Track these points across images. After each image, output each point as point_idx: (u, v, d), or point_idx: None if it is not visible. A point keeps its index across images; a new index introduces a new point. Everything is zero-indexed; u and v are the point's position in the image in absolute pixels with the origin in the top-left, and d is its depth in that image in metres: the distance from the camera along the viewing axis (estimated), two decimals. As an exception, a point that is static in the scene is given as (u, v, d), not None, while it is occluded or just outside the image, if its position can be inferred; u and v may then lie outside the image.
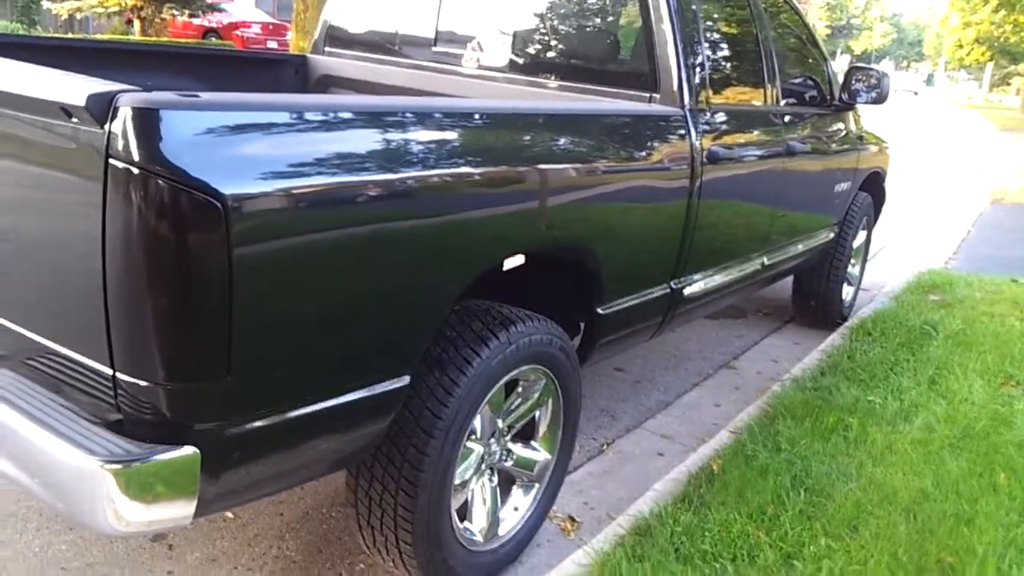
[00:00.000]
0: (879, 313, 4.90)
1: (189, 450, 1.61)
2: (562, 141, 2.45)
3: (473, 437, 2.37)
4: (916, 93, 49.29)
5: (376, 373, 1.96)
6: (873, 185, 5.11)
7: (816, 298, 4.92)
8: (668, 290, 3.06)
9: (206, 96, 1.61)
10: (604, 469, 3.26)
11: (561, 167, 2.39)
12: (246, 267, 1.57)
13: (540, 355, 2.43)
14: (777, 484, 2.71)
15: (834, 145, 4.41)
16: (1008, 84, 53.89)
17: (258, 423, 1.72)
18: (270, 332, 1.68)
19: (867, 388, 3.63)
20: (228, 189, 1.53)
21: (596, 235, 2.58)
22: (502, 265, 2.30)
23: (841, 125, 4.52)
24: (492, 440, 2.46)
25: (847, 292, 5.08)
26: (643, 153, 2.77)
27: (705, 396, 4.02)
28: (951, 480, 2.72)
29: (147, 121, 1.49)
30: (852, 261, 5.08)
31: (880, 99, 4.39)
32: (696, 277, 3.22)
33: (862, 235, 5.15)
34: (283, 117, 1.71)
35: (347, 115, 1.85)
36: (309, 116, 1.75)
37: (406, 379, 2.03)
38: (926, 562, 2.29)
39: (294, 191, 1.65)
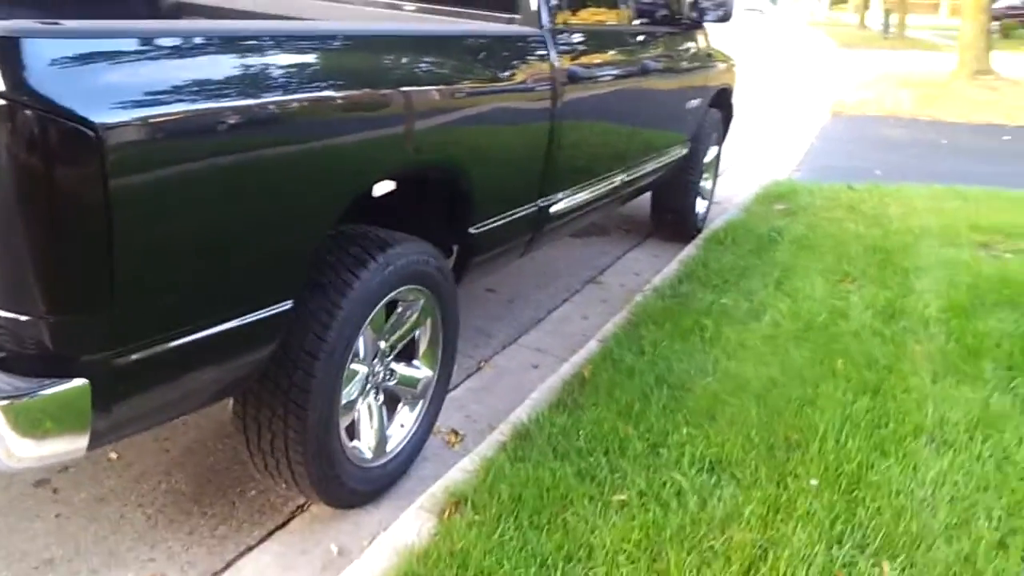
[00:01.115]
0: (730, 223, 5.22)
1: (79, 382, 1.62)
2: (425, 63, 2.49)
3: (357, 359, 2.45)
4: (762, 12, 50.93)
5: (259, 299, 1.99)
6: (722, 102, 5.37)
7: (672, 212, 5.18)
8: (535, 208, 3.19)
9: (69, 23, 1.58)
10: (483, 385, 3.40)
11: (426, 89, 2.44)
12: (122, 196, 1.57)
13: (417, 275, 2.51)
14: (642, 383, 2.92)
15: (685, 63, 4.61)
16: (845, 2, 56.42)
17: (145, 352, 1.74)
18: (150, 260, 1.69)
19: (720, 292, 3.90)
20: (99, 118, 1.52)
21: (463, 157, 2.66)
22: (372, 190, 2.36)
23: (691, 43, 4.72)
24: (375, 361, 2.54)
25: (701, 206, 5.37)
26: (505, 74, 2.84)
27: (574, 310, 4.22)
28: (796, 368, 3.01)
29: (8, 50, 1.46)
30: (704, 176, 5.35)
31: (725, 17, 4.60)
32: (561, 195, 3.36)
33: (713, 150, 5.42)
34: (150, 43, 1.69)
35: (210, 40, 1.84)
36: (175, 42, 1.74)
37: (288, 304, 2.08)
38: (775, 441, 2.56)
39: (164, 118, 1.64)
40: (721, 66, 5.22)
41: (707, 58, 4.94)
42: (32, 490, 2.56)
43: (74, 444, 1.69)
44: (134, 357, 1.72)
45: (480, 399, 3.28)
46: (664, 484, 2.36)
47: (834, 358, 3.12)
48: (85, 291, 1.60)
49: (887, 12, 34.89)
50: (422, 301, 2.62)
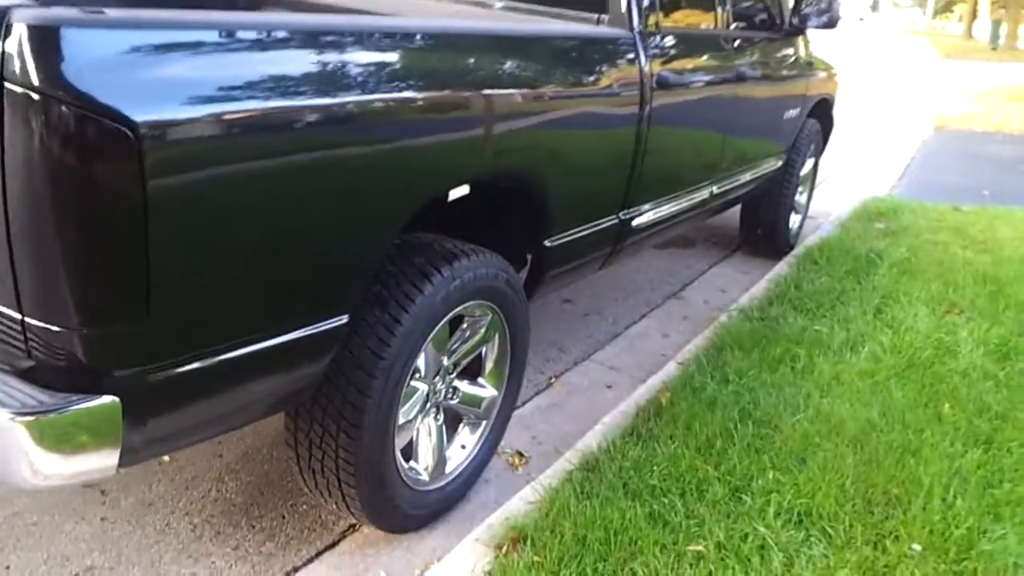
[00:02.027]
0: (825, 241, 4.91)
1: (108, 399, 1.50)
2: (508, 64, 2.32)
3: (417, 376, 2.30)
4: (862, 19, 49.34)
5: (312, 312, 1.85)
6: (821, 112, 5.06)
7: (763, 227, 4.90)
8: (616, 221, 2.99)
9: (113, 12, 1.46)
10: (552, 403, 3.22)
11: (507, 92, 2.26)
12: (163, 200, 1.44)
13: (485, 290, 2.34)
14: (725, 416, 2.69)
15: (784, 71, 4.33)
16: (951, 11, 54.25)
17: (185, 367, 1.61)
18: (192, 270, 1.55)
19: (814, 317, 3.63)
20: (140, 116, 1.39)
21: (543, 164, 2.48)
22: (447, 196, 2.20)
23: (791, 50, 4.44)
24: (437, 378, 2.38)
25: (794, 220, 5.07)
26: (591, 78, 2.65)
27: (653, 327, 3.99)
28: (897, 410, 2.73)
29: (46, 40, 1.33)
30: (800, 189, 5.05)
31: (831, 23, 4.30)
32: (645, 207, 3.15)
33: (810, 163, 5.12)
34: (198, 36, 1.55)
35: (276, 34, 1.70)
36: (228, 35, 1.60)
37: (344, 318, 1.93)
38: (873, 494, 2.30)
39: (215, 117, 1.51)
40: (822, 75, 4.92)
41: (808, 66, 4.65)
42: (80, 490, 2.48)
43: (104, 462, 1.57)
44: (172, 372, 1.59)
45: (548, 419, 3.09)
46: (746, 536, 2.13)
47: (940, 401, 2.83)
48: (120, 302, 1.47)
49: (996, 22, 33.36)
50: (490, 317, 2.45)
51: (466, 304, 2.30)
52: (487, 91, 2.17)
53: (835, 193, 6.56)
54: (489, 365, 2.57)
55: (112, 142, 1.37)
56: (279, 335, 1.78)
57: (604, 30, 2.86)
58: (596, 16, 2.94)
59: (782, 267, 4.61)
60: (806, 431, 2.60)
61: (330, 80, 1.75)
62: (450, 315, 2.25)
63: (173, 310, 1.54)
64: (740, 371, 3.03)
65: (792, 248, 5.02)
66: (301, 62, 1.72)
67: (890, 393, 2.86)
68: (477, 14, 3.07)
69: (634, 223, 3.10)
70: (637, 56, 2.85)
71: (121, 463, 1.61)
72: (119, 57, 1.42)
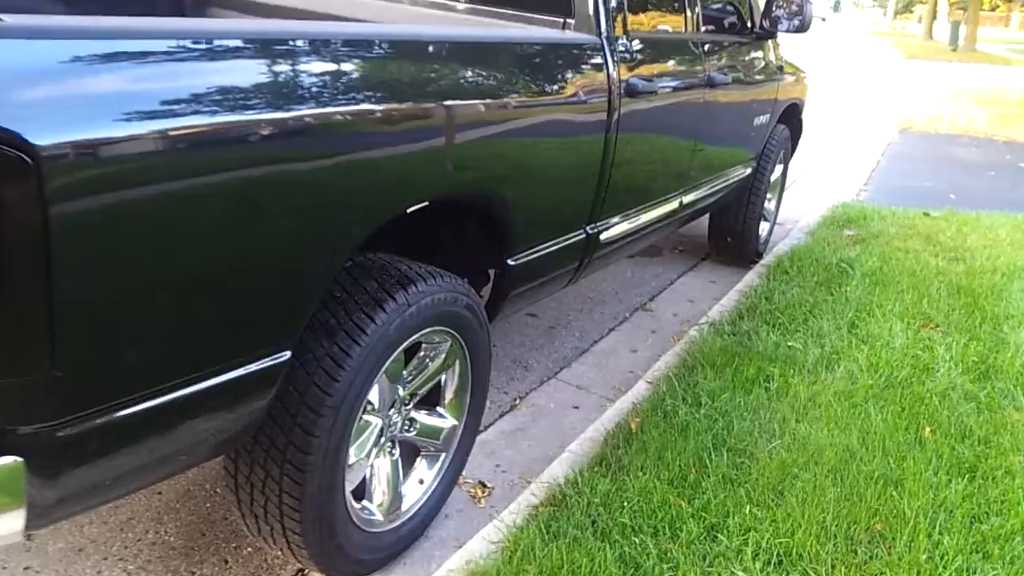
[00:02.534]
0: (795, 250, 4.80)
1: (8, 460, 1.32)
2: (467, 73, 2.16)
3: (370, 409, 2.13)
4: (824, 19, 49.75)
5: (248, 350, 1.67)
6: (791, 117, 4.96)
7: (733, 235, 4.78)
8: (583, 235, 2.84)
9: (10, 20, 1.27)
10: (516, 426, 3.06)
11: (467, 102, 2.10)
12: (67, 232, 1.25)
13: (444, 316, 2.18)
14: (699, 444, 2.55)
15: (754, 75, 4.22)
16: (911, 12, 54.98)
17: (100, 419, 1.42)
18: (106, 312, 1.37)
19: (787, 332, 3.51)
20: (42, 139, 1.21)
21: (506, 178, 2.32)
22: (402, 215, 2.03)
23: (761, 54, 4.33)
24: (392, 411, 2.21)
25: (763, 228, 4.96)
26: (557, 86, 2.49)
27: (621, 341, 3.85)
28: (877, 436, 2.61)
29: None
30: (769, 196, 4.95)
31: (802, 27, 4.20)
32: (614, 220, 3.00)
33: (779, 169, 5.01)
34: (108, 47, 1.37)
35: (203, 42, 1.53)
36: (140, 46, 1.41)
37: (286, 354, 1.75)
38: (856, 531, 2.17)
39: (130, 136, 1.32)
40: (791, 79, 4.81)
41: (777, 71, 4.54)
42: (3, 536, 2.27)
43: (7, 526, 1.38)
44: (86, 425, 1.41)
45: (513, 444, 2.93)
46: (723, 582, 1.99)
47: (921, 425, 2.71)
48: (20, 350, 1.29)
49: (955, 23, 33.77)
50: (449, 343, 2.29)
51: (423, 331, 2.13)
52: (445, 102, 2.01)
53: (803, 198, 6.47)
54: (449, 394, 2.41)
55: (8, 169, 1.18)
56: (210, 377, 1.60)
57: (570, 35, 2.70)
58: (562, 20, 2.78)
59: (752, 277, 4.50)
60: (783, 460, 2.47)
61: (266, 92, 1.57)
62: (406, 344, 2.09)
63: (83, 356, 1.36)
64: (713, 392, 2.89)
65: (761, 256, 4.91)
66: (229, 72, 1.54)
67: (869, 416, 2.73)
68: (434, 19, 2.90)
69: (602, 237, 2.95)
70: (605, 62, 2.70)
71: (31, 526, 1.42)
72: (16, 72, 1.23)
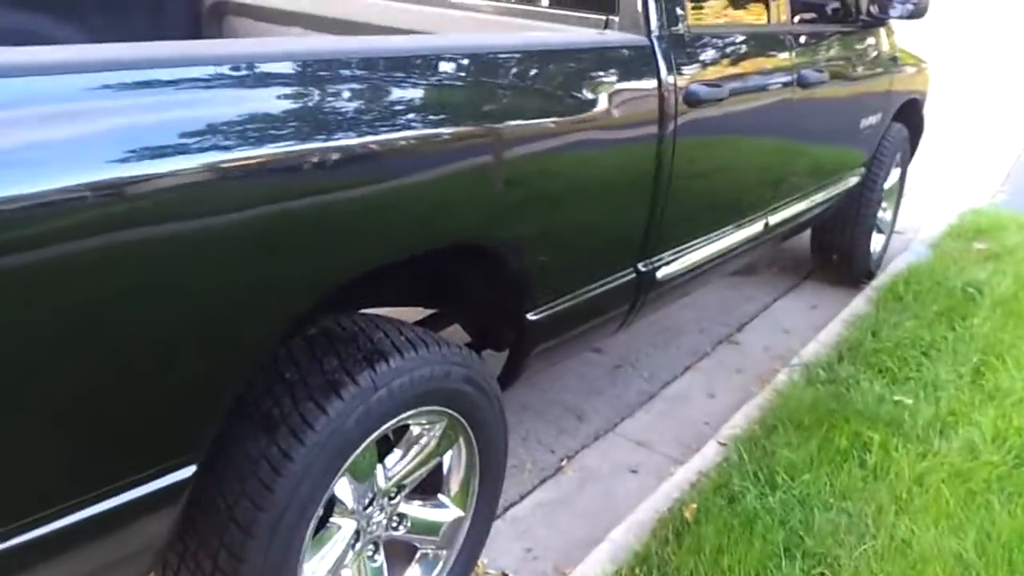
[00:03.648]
0: (913, 269, 4.14)
1: None
2: (467, 89, 1.72)
3: (340, 511, 1.73)
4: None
5: (129, 472, 1.29)
6: (910, 114, 4.28)
7: (839, 252, 4.16)
8: (634, 275, 2.36)
9: None
10: (559, 496, 2.60)
11: (463, 129, 1.65)
12: None
13: (433, 394, 1.75)
14: (766, 545, 2.03)
15: (860, 70, 3.59)
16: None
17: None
18: None
19: (894, 382, 2.91)
20: None
21: (519, 219, 1.86)
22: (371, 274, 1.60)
23: (869, 44, 3.69)
24: (372, 507, 1.80)
25: (876, 242, 4.31)
26: (587, 100, 2.01)
27: (698, 383, 3.33)
28: (1001, 542, 2.02)
29: None
30: (884, 205, 4.29)
31: (918, 12, 3.56)
32: (673, 254, 2.51)
33: (895, 174, 4.34)
34: None
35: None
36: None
37: (188, 470, 1.36)
38: None
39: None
40: (910, 70, 4.14)
41: (891, 62, 3.89)
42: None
43: None
44: None
45: (552, 520, 2.48)
46: None
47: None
48: None
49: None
50: (444, 423, 1.86)
51: (401, 417, 1.71)
52: (428, 129, 1.57)
53: (925, 202, 5.68)
54: (454, 482, 1.98)
55: None
56: (78, 511, 1.23)
57: (608, 37, 2.21)
58: (604, 19, 2.30)
59: (859, 303, 3.88)
60: (874, 573, 1.92)
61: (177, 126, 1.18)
62: (376, 435, 1.67)
63: None
64: (793, 467, 2.36)
65: (873, 276, 4.26)
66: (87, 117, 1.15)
67: (991, 511, 2.14)
68: (438, 19, 2.45)
69: (659, 274, 2.46)
70: (655, 67, 2.20)
71: None
72: None
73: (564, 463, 2.77)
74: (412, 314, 2.39)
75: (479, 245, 1.80)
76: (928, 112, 4.55)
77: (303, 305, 1.46)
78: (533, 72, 1.89)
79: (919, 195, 5.79)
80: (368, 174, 1.48)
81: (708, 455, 2.64)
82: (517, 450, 2.80)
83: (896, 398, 2.76)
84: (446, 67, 1.69)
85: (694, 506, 2.22)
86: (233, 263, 1.30)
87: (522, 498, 2.58)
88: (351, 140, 1.42)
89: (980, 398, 2.76)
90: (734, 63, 2.62)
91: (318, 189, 1.39)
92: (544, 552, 2.34)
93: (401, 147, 1.51)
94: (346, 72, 1.48)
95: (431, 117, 1.58)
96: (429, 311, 2.38)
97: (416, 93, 1.59)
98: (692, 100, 2.30)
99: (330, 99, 1.43)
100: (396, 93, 1.55)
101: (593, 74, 2.06)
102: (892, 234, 4.57)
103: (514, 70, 1.84)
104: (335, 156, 1.39)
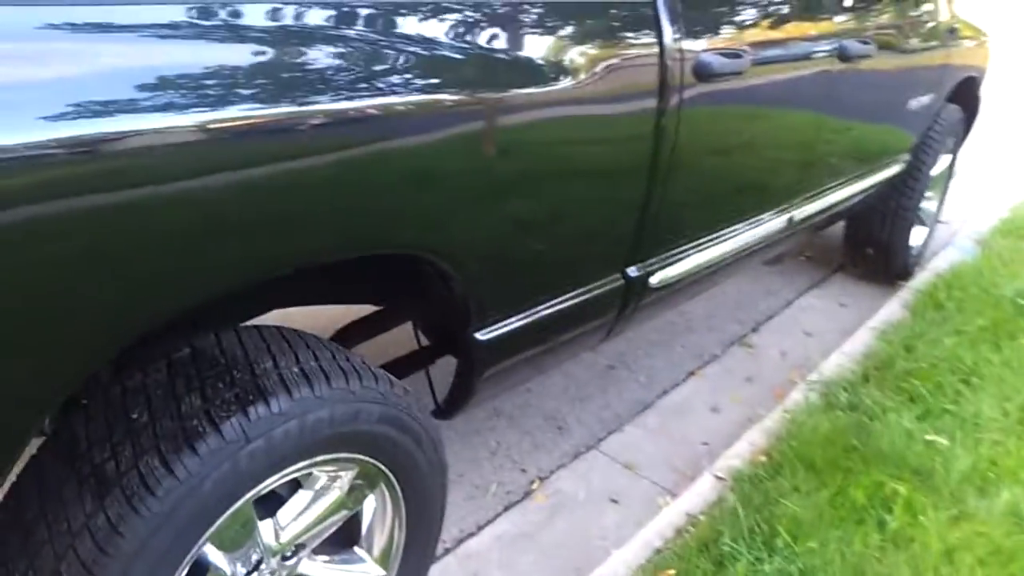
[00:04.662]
0: (957, 270, 3.68)
1: None
2: (397, 47, 1.31)
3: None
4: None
5: None
6: (966, 94, 3.78)
7: (875, 245, 3.71)
8: (621, 281, 1.95)
9: None
10: (524, 528, 2.23)
11: (372, 100, 1.25)
12: None
13: (334, 440, 1.38)
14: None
15: (914, 42, 3.11)
16: None
17: None
18: None
19: (928, 414, 2.48)
20: None
21: (448, 222, 1.46)
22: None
23: (926, 11, 3.20)
24: (261, 571, 1.43)
25: (917, 236, 3.84)
26: (565, 70, 1.59)
27: (701, 392, 2.93)
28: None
29: None
30: (928, 194, 3.82)
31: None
32: (672, 256, 2.10)
33: (944, 160, 3.85)
34: None
35: None
36: None
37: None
38: None
39: None
40: (969, 44, 3.63)
41: (949, 34, 3.39)
42: None
43: None
44: None
45: (511, 561, 2.12)
46: None
47: None
48: None
49: None
50: (355, 472, 1.48)
51: (287, 470, 1.33)
52: (324, 99, 1.17)
53: (973, 191, 5.16)
54: (376, 536, 1.61)
55: None
56: None
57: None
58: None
59: (894, 307, 3.44)
60: None
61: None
62: (251, 495, 1.30)
63: None
64: (797, 526, 1.95)
65: (912, 274, 3.80)
66: None
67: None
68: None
69: (653, 280, 2.05)
70: (657, 28, 1.76)
71: None
72: None
73: (535, 485, 2.39)
74: (356, 311, 2.03)
75: (391, 256, 1.40)
76: (985, 91, 4.04)
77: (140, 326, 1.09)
78: (482, 28, 1.46)
79: (968, 182, 5.27)
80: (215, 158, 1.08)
81: (701, 492, 2.25)
82: (482, 466, 2.44)
83: (928, 437, 2.33)
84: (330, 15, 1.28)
85: (672, 573, 1.83)
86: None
87: (480, 528, 2.22)
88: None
89: (1029, 443, 2.33)
90: (759, 27, 2.17)
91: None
92: (495, 602, 1.99)
93: (296, 119, 1.12)
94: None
95: (320, 85, 1.17)
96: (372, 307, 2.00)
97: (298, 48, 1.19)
98: (703, 72, 1.87)
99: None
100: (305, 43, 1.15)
101: (572, 33, 1.63)
102: (936, 226, 4.09)
103: (452, 21, 1.42)
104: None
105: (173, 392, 1.26)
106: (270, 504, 1.43)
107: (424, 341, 1.95)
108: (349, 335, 2.04)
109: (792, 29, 2.27)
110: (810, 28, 2.37)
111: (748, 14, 2.13)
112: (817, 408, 2.56)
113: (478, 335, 1.63)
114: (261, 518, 1.40)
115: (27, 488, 1.24)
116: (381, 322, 2.06)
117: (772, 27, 2.20)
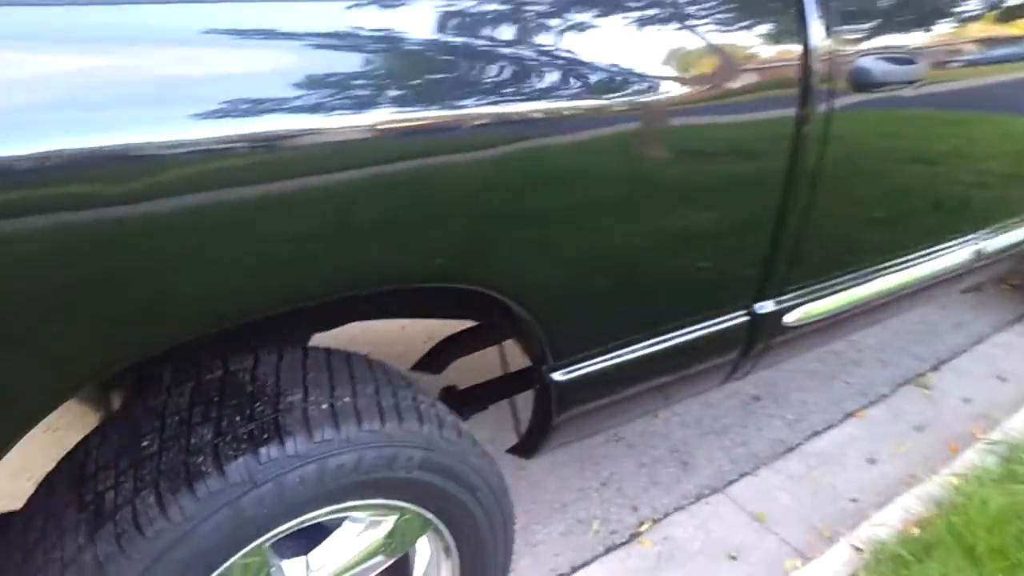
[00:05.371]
0: None
1: None
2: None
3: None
4: None
5: None
6: None
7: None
8: (746, 318, 1.69)
9: None
10: (622, 578, 2.01)
11: (419, 116, 1.08)
12: None
13: (364, 487, 1.23)
14: None
15: None
16: None
17: None
18: None
19: None
20: None
21: (521, 256, 1.27)
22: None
23: None
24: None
25: None
26: (663, 74, 1.35)
27: (859, 438, 2.57)
28: None
29: None
30: None
31: None
32: (814, 290, 1.80)
33: None
34: None
35: None
36: None
37: None
38: None
39: None
40: None
41: None
42: None
43: None
44: None
45: (604, 613, 1.91)
46: None
47: None
48: None
49: None
50: (393, 519, 1.33)
51: (306, 516, 1.20)
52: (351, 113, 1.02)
53: None
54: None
55: None
56: None
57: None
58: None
59: (1113, 355, 2.90)
60: None
61: None
62: (260, 542, 1.17)
63: None
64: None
65: None
66: None
67: None
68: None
69: (787, 319, 1.77)
70: (800, 24, 1.48)
71: None
72: None
73: (644, 527, 2.16)
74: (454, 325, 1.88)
75: (450, 288, 1.23)
76: None
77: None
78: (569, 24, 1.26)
79: None
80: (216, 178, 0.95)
81: (832, 563, 1.94)
82: (589, 498, 2.24)
83: None
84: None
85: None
86: None
87: (573, 570, 2.02)
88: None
89: None
90: (936, 27, 1.81)
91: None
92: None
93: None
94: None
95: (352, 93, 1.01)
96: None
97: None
98: (862, 81, 1.57)
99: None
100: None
101: (686, 30, 1.39)
102: None
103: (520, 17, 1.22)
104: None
105: (189, 420, 1.16)
106: (313, 536, 1.31)
107: (510, 366, 1.77)
108: (448, 348, 1.91)
109: (978, 28, 1.89)
110: (1003, 27, 1.96)
111: (924, 10, 1.77)
112: (992, 476, 2.16)
113: (556, 375, 1.44)
114: (295, 554, 1.29)
115: (38, 505, 1.18)
116: (480, 338, 1.90)
117: (954, 26, 1.83)
